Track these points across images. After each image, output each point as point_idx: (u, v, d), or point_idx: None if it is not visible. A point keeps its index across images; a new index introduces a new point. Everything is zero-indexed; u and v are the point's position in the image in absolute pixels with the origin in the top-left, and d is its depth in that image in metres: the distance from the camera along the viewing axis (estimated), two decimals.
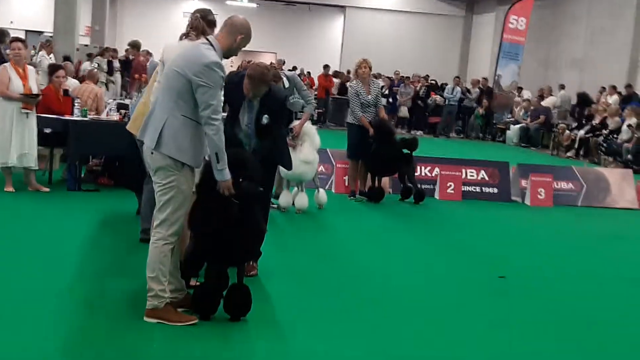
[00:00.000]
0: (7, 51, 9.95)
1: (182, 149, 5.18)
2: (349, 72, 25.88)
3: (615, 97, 22.06)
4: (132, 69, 19.42)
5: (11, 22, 31.89)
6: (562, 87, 26.09)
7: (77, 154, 10.42)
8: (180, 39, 6.53)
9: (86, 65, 19.73)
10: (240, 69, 17.03)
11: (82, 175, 10.79)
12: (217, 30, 5.80)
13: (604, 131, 20.55)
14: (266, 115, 6.59)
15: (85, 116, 10.59)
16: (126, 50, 24.03)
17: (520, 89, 27.21)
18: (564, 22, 28.66)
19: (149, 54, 20.85)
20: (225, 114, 6.49)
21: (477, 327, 6.01)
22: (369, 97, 11.29)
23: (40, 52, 17.75)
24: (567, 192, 13.09)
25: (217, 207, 5.29)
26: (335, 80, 27.52)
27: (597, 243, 10.09)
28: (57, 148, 10.72)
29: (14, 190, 9.78)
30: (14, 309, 5.55)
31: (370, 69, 11.50)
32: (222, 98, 5.26)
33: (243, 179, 5.30)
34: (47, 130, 10.36)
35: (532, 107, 24.88)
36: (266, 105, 6.62)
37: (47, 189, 10.16)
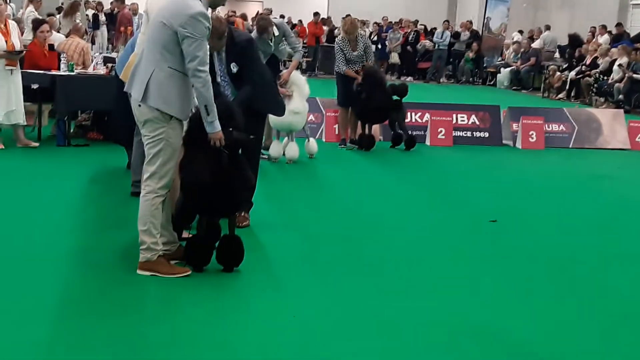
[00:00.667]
0: None
1: (169, 101, 5.16)
2: (336, 29, 25.91)
3: (606, 36, 22.01)
4: (117, 21, 19.21)
5: None
6: (547, 27, 25.93)
7: (65, 109, 10.40)
8: None
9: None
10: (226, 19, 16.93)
11: (71, 130, 10.81)
12: None
13: (595, 71, 20.51)
14: (233, 63, 6.56)
15: (72, 71, 10.56)
16: (111, 3, 23.84)
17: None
18: None
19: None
20: None
21: (470, 268, 6.07)
22: (355, 53, 11.30)
23: (28, 8, 17.52)
24: (559, 134, 13.12)
25: (207, 159, 5.29)
26: (324, 28, 27.38)
27: (587, 184, 10.13)
28: (45, 104, 10.63)
29: (3, 147, 9.77)
30: (8, 264, 5.57)
31: (356, 27, 11.51)
32: (206, 44, 5.18)
33: (232, 129, 5.30)
34: (34, 86, 10.30)
35: (522, 49, 24.78)
36: (232, 52, 6.55)
37: (37, 144, 10.14)
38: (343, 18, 11.64)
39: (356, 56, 11.31)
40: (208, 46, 5.23)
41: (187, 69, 5.11)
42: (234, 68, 6.59)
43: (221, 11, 21.51)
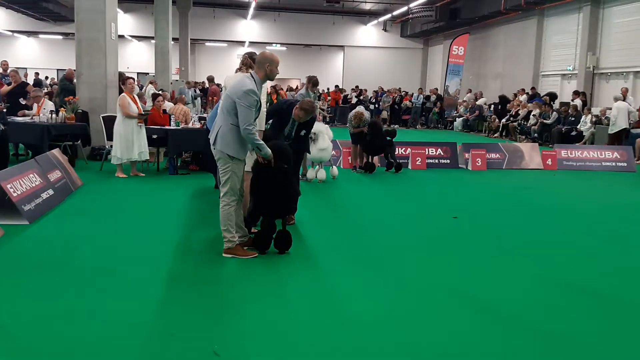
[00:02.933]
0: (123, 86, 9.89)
1: (229, 146, 5.20)
2: (352, 90, 25.98)
3: (525, 96, 21.83)
4: (209, 93, 19.28)
5: (127, 67, 31.95)
6: (481, 94, 25.80)
7: (174, 150, 10.44)
8: (236, 72, 6.49)
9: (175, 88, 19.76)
10: (274, 90, 17.13)
11: (178, 164, 10.82)
12: None
13: (518, 118, 20.35)
14: (304, 130, 6.70)
15: (178, 126, 10.61)
16: (203, 83, 24.02)
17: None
18: (489, 48, 28.30)
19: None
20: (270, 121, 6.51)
21: (437, 250, 5.98)
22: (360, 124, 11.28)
23: (149, 87, 17.79)
24: (496, 160, 12.95)
25: (267, 181, 5.33)
26: (341, 95, 27.46)
27: (514, 191, 9.99)
28: (161, 147, 10.71)
29: (126, 176, 9.77)
30: (135, 248, 5.59)
31: (360, 120, 11.33)
32: (255, 114, 5.17)
33: (281, 161, 5.31)
34: (154, 136, 10.36)
35: (470, 106, 24.63)
36: (305, 123, 6.64)
37: (143, 174, 10.07)
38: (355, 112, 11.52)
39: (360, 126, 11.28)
40: (254, 111, 5.12)
41: (240, 126, 5.12)
42: (303, 132, 6.70)
43: (269, 83, 21.84)
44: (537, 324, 4.05)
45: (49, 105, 11.16)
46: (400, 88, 29.01)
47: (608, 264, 5.70)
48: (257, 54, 6.00)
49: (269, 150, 5.21)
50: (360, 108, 11.89)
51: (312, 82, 9.92)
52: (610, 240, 6.70)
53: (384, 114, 26.28)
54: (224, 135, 5.19)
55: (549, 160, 13.08)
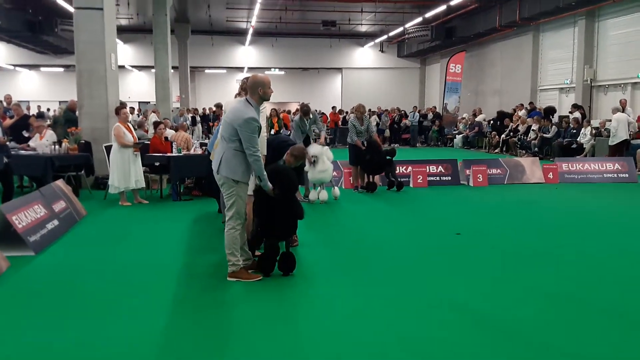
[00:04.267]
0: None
1: (234, 171, 5.28)
2: (347, 112, 26.19)
3: (524, 111, 21.94)
4: (218, 120, 19.32)
5: (129, 97, 32.25)
6: (480, 110, 25.93)
7: (176, 177, 10.50)
8: (235, 97, 6.57)
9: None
10: (275, 114, 17.28)
11: (181, 190, 10.88)
12: None
13: (519, 134, 20.44)
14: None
15: (180, 152, 10.68)
16: (210, 109, 24.24)
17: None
18: (486, 65, 28.52)
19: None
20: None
21: (442, 267, 5.98)
22: (362, 127, 11.35)
23: (152, 115, 17.99)
24: (497, 175, 12.99)
25: (270, 204, 5.39)
26: (340, 116, 27.64)
27: (517, 206, 10.01)
28: (164, 174, 10.78)
29: (130, 204, 9.83)
30: (139, 272, 5.63)
31: (363, 110, 11.60)
32: (256, 135, 5.26)
33: (279, 185, 5.39)
34: (157, 163, 10.44)
35: (469, 122, 24.74)
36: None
37: (147, 202, 10.13)
38: (353, 106, 11.70)
39: (363, 129, 11.35)
40: (257, 136, 5.24)
41: (245, 150, 5.21)
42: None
43: (268, 105, 21.96)
44: (543, 340, 4.05)
45: (51, 135, 11.26)
46: (398, 107, 29.18)
47: (615, 277, 5.69)
48: None
49: (270, 185, 5.29)
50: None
51: (303, 111, 10.12)
52: (616, 252, 6.68)
53: (387, 132, 26.50)
54: (228, 161, 5.26)
55: (551, 173, 13.11)
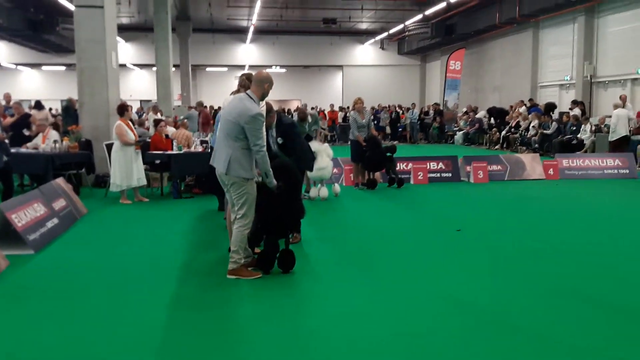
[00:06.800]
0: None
1: (245, 169, 5.21)
2: (347, 107, 26.07)
3: (524, 107, 21.87)
4: (201, 117, 19.21)
5: (130, 95, 32.26)
6: (475, 108, 25.88)
7: (177, 175, 10.47)
8: (232, 94, 6.51)
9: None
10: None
11: (182, 188, 10.83)
12: None
13: (520, 130, 20.38)
14: (279, 138, 6.66)
15: (181, 150, 10.64)
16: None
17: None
18: (485, 62, 28.45)
19: (206, 107, 21.02)
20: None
21: (443, 263, 5.93)
22: (363, 121, 11.29)
23: (151, 113, 17.90)
24: (497, 171, 12.94)
25: (270, 202, 5.34)
26: (340, 113, 27.61)
27: (517, 202, 9.96)
28: (165, 172, 10.73)
29: (130, 202, 9.79)
30: (139, 271, 5.58)
31: (362, 103, 11.51)
32: (262, 131, 5.22)
33: (283, 179, 5.34)
34: (157, 161, 10.39)
35: (470, 119, 24.67)
36: (279, 130, 6.67)
37: (147, 200, 10.08)
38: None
39: (364, 123, 11.30)
40: (264, 131, 5.23)
41: (251, 148, 5.15)
42: (279, 140, 6.62)
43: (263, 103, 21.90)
44: (545, 333, 4.00)
45: (54, 135, 11.21)
46: (400, 105, 29.11)
47: (617, 271, 5.64)
48: (253, 74, 6.03)
49: (274, 181, 5.24)
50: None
51: (299, 117, 10.12)
52: (617, 247, 6.65)
53: (387, 130, 26.49)
54: (238, 160, 5.17)
55: (551, 170, 13.05)
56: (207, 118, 17.62)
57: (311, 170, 7.92)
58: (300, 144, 7.09)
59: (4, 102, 13.84)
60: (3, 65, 33.45)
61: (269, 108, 6.38)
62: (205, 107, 21.73)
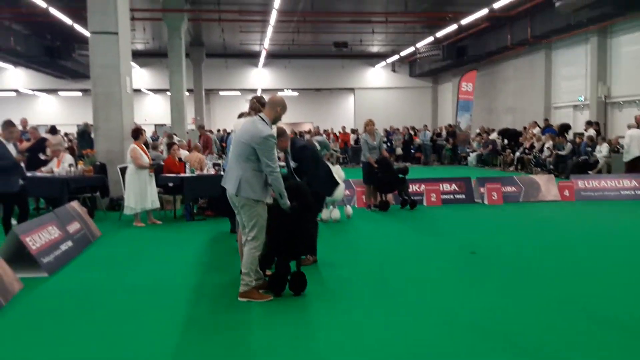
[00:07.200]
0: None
1: (255, 191, 5.23)
2: (357, 130, 26.39)
3: (537, 129, 21.80)
4: (201, 140, 19.27)
5: (145, 119, 32.68)
6: (492, 130, 25.89)
7: (190, 197, 10.53)
8: (239, 116, 6.58)
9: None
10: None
11: (195, 210, 10.88)
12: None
13: (534, 151, 20.30)
14: (292, 161, 6.82)
15: (194, 173, 10.71)
16: (224, 130, 24.38)
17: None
18: (498, 83, 28.50)
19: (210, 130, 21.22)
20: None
21: (458, 287, 5.90)
22: (374, 142, 11.32)
23: (165, 139, 18.13)
24: (512, 193, 12.85)
25: (281, 224, 5.35)
26: (352, 136, 27.73)
27: (533, 223, 9.88)
28: (178, 195, 10.80)
29: (144, 225, 9.86)
30: (152, 293, 5.61)
31: (373, 125, 11.55)
32: (274, 152, 5.28)
33: (296, 200, 5.36)
34: (170, 184, 10.47)
35: (483, 140, 24.62)
36: (292, 154, 6.85)
37: (160, 222, 10.17)
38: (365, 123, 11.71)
39: (375, 145, 11.33)
40: (276, 152, 5.28)
41: (264, 169, 5.19)
42: (292, 164, 6.69)
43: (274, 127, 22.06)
44: (563, 358, 3.95)
45: (68, 159, 11.36)
46: (413, 127, 29.16)
47: (635, 294, 5.56)
48: (264, 98, 6.09)
49: (288, 202, 5.26)
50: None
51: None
52: (635, 270, 6.56)
53: (398, 151, 26.55)
54: (249, 181, 5.21)
55: (566, 191, 12.95)
56: (208, 142, 17.78)
57: (330, 194, 7.99)
58: (315, 167, 7.13)
59: (20, 127, 14.06)
60: (21, 92, 34.07)
61: (281, 132, 6.45)
62: (210, 130, 21.97)
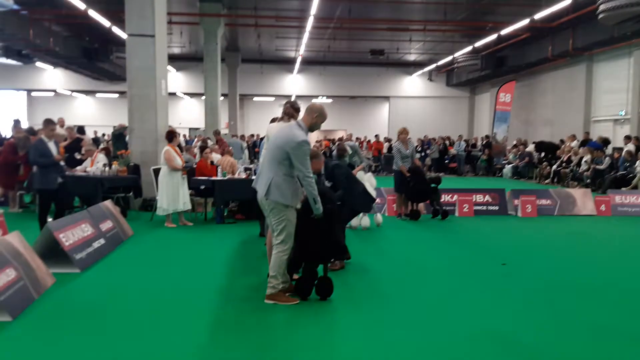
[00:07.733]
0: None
1: (284, 195, 5.27)
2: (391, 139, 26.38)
3: (576, 142, 21.43)
4: (220, 146, 19.43)
5: (180, 123, 33.24)
6: (525, 141, 25.55)
7: (221, 200, 10.66)
8: (272, 121, 6.65)
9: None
10: (322, 143, 17.41)
11: (225, 213, 11.03)
12: (302, 113, 5.84)
13: (571, 165, 19.96)
14: (326, 181, 7.04)
15: (225, 176, 10.86)
16: (258, 135, 24.50)
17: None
18: (537, 95, 28.09)
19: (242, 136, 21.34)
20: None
21: (486, 298, 5.85)
22: (407, 151, 11.32)
23: (199, 142, 18.40)
24: (547, 206, 12.68)
25: (310, 228, 5.42)
26: (386, 144, 27.70)
27: (567, 237, 9.73)
28: (209, 197, 10.96)
29: (175, 226, 10.03)
30: (181, 295, 5.68)
31: (407, 133, 11.54)
32: (308, 158, 5.31)
33: (326, 204, 5.43)
34: (202, 187, 10.64)
35: (519, 152, 24.31)
36: (326, 174, 7.10)
37: (191, 224, 10.33)
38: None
39: (408, 154, 11.32)
40: (309, 159, 5.31)
41: (298, 175, 5.24)
42: (328, 183, 6.90)
43: (316, 134, 22.16)
44: None
45: (102, 158, 11.65)
46: (449, 137, 28.97)
47: None
48: (298, 103, 6.15)
49: (321, 209, 5.30)
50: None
51: (338, 153, 10.02)
52: None
53: (428, 161, 26.46)
54: (278, 186, 5.26)
55: (603, 206, 12.72)
56: (224, 146, 18.00)
57: (368, 211, 8.19)
58: (349, 183, 7.26)
59: (58, 127, 14.45)
60: (59, 92, 35.02)
61: (314, 154, 6.39)
62: (243, 136, 22.20)
